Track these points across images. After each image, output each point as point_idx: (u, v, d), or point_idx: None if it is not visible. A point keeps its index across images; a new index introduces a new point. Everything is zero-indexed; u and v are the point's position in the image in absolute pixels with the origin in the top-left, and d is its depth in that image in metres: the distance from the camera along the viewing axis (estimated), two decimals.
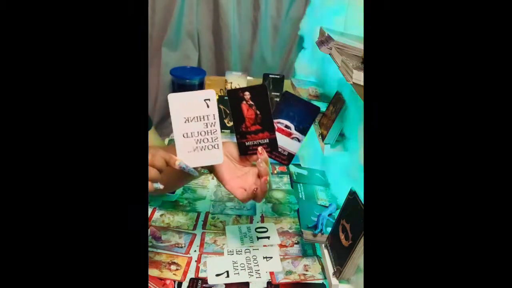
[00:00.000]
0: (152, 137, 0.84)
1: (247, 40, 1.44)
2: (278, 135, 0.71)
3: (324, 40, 0.81)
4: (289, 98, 0.73)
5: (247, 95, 0.69)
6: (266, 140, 0.71)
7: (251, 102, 0.69)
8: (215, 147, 0.69)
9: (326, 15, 1.08)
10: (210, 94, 0.67)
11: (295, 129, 0.72)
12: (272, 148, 0.71)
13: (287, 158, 0.73)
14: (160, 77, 1.39)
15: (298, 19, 1.39)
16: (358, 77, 0.57)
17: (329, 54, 0.75)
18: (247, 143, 0.71)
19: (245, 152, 0.72)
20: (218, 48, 1.43)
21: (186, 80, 1.32)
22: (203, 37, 1.41)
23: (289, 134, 0.73)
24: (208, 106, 0.67)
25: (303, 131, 0.72)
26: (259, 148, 0.70)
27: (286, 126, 0.72)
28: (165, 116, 1.45)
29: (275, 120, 0.71)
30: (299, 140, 0.73)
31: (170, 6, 1.32)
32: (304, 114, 0.72)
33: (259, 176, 0.70)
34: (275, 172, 1.16)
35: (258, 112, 0.70)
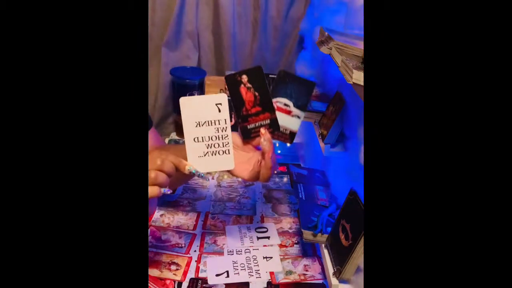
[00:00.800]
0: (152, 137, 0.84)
1: (247, 40, 1.43)
2: (279, 114, 0.71)
3: (324, 40, 0.81)
4: (284, 76, 0.72)
5: (244, 78, 0.69)
6: (268, 121, 0.71)
7: (249, 85, 0.69)
8: (226, 153, 0.68)
9: (326, 15, 1.08)
10: (222, 98, 0.67)
11: (294, 107, 0.72)
12: (274, 128, 0.71)
13: (289, 137, 0.73)
14: (160, 77, 1.39)
15: (298, 19, 1.39)
16: (358, 77, 0.57)
17: (329, 54, 0.75)
18: (249, 126, 0.71)
19: (248, 136, 0.72)
20: (218, 48, 1.43)
21: (186, 80, 1.32)
22: (203, 37, 1.40)
23: (288, 112, 0.72)
24: (219, 111, 0.67)
25: (302, 107, 0.72)
26: (262, 129, 0.70)
27: (285, 105, 0.72)
28: (165, 116, 1.45)
29: (273, 100, 0.71)
30: (299, 117, 0.72)
31: (170, 5, 1.32)
32: (300, 91, 0.72)
33: (263, 155, 0.70)
34: (275, 172, 1.16)
35: (256, 94, 0.69)
